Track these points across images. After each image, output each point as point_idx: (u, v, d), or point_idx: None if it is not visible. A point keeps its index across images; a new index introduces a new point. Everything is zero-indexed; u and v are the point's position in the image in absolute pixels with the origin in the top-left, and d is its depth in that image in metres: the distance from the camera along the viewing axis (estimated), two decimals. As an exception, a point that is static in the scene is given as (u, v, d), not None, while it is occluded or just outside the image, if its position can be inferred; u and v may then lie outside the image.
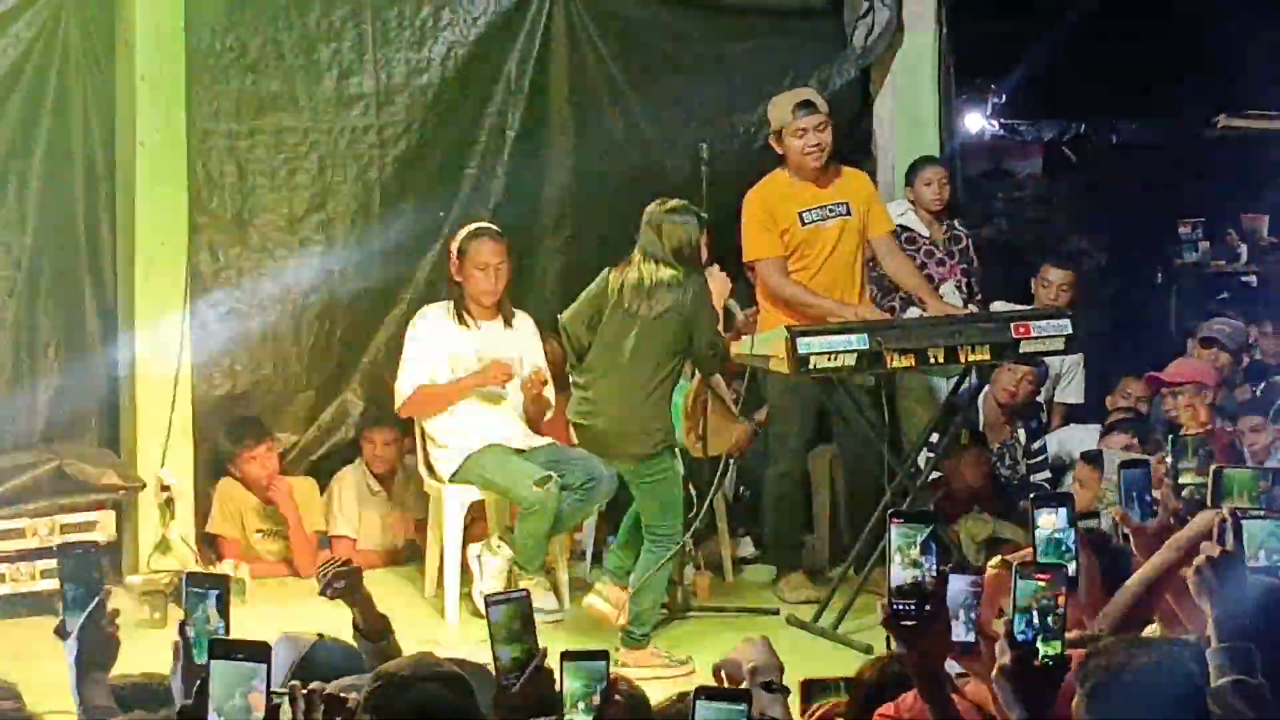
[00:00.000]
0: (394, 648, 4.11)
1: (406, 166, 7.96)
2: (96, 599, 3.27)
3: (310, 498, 7.75)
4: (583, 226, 8.29)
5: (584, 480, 6.99)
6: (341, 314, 7.91)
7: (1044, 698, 2.86)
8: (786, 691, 3.52)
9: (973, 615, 3.16)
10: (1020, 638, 2.89)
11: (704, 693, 3.01)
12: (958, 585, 3.15)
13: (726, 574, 7.68)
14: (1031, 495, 3.86)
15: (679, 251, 6.46)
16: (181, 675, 3.17)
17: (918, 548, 3.02)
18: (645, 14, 8.50)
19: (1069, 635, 3.04)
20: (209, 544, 7.60)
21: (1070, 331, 6.79)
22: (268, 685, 2.74)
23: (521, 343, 7.34)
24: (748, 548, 7.95)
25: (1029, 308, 7.79)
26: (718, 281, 6.58)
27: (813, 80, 8.63)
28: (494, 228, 7.41)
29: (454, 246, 7.29)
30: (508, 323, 7.34)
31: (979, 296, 8.10)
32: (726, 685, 3.50)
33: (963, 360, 6.70)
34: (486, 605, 3.17)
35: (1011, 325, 6.75)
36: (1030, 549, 3.57)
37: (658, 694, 3.72)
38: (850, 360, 6.52)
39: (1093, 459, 7.18)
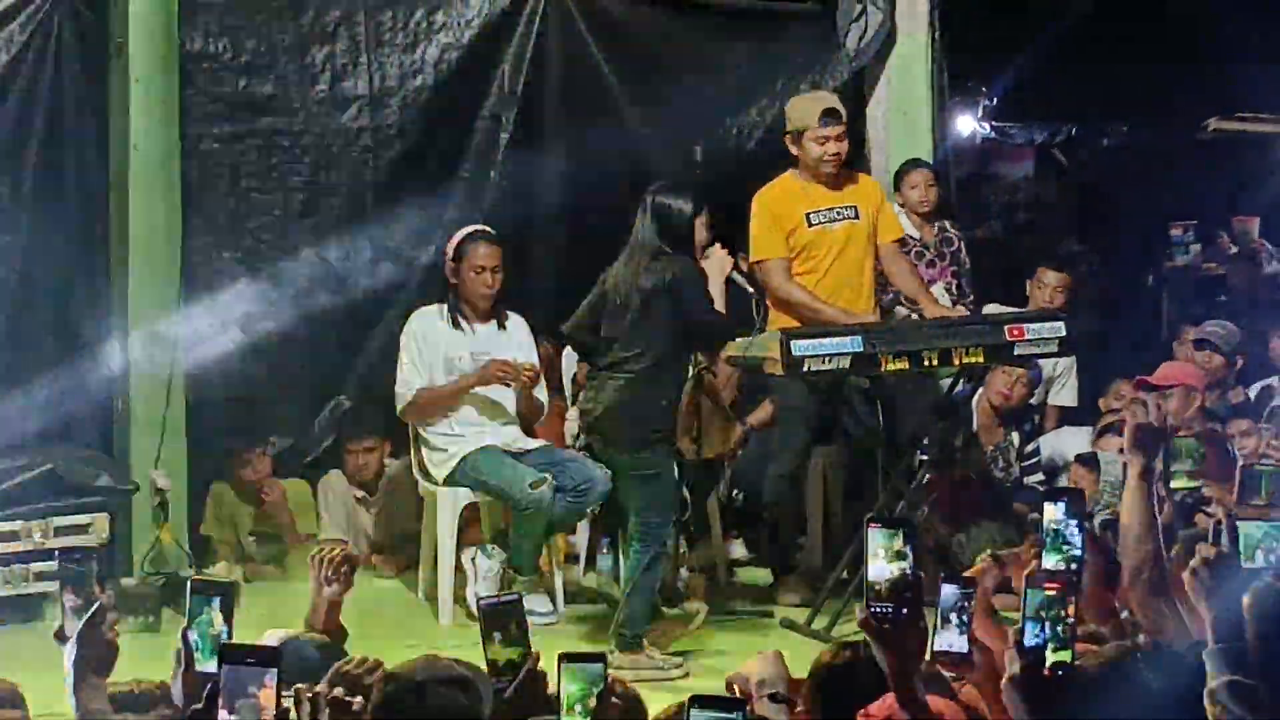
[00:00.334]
0: (341, 648, 4.11)
1: (400, 169, 7.97)
2: (96, 605, 3.27)
3: (303, 500, 7.75)
4: (576, 229, 8.30)
5: (578, 483, 6.98)
6: (335, 316, 7.91)
7: (1053, 706, 2.86)
8: (792, 704, 3.53)
9: (965, 621, 3.17)
10: (1030, 645, 2.89)
11: (698, 701, 3.02)
12: (949, 593, 3.16)
13: (720, 578, 7.68)
14: (1043, 491, 3.89)
15: (665, 231, 6.44)
16: (183, 680, 3.17)
17: (895, 551, 3.04)
18: (638, 17, 8.52)
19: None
20: (202, 547, 7.60)
21: (1064, 334, 6.80)
22: (278, 690, 2.74)
23: (515, 345, 7.33)
24: (738, 550, 7.95)
25: (1023, 310, 7.80)
26: (716, 260, 6.55)
27: (805, 83, 8.66)
28: (489, 230, 7.41)
29: (449, 249, 7.29)
30: (501, 325, 7.33)
31: (970, 298, 8.11)
32: (738, 696, 3.50)
33: (957, 363, 6.72)
34: (479, 608, 3.18)
35: (1005, 328, 6.76)
36: (1020, 550, 3.58)
37: (649, 695, 3.72)
38: (844, 363, 6.53)
39: (1087, 461, 7.19)
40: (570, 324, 6.74)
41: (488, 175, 8.12)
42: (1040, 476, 7.95)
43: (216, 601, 3.15)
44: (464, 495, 7.18)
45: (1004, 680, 2.88)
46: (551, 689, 3.14)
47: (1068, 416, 8.55)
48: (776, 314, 7.18)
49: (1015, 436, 8.01)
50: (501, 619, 3.17)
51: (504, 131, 8.16)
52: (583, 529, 7.64)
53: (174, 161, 7.42)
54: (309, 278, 7.82)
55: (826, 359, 6.51)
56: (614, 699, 3.13)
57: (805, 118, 7.17)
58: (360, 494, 7.83)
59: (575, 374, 7.79)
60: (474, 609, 6.99)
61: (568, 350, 7.90)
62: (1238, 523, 3.29)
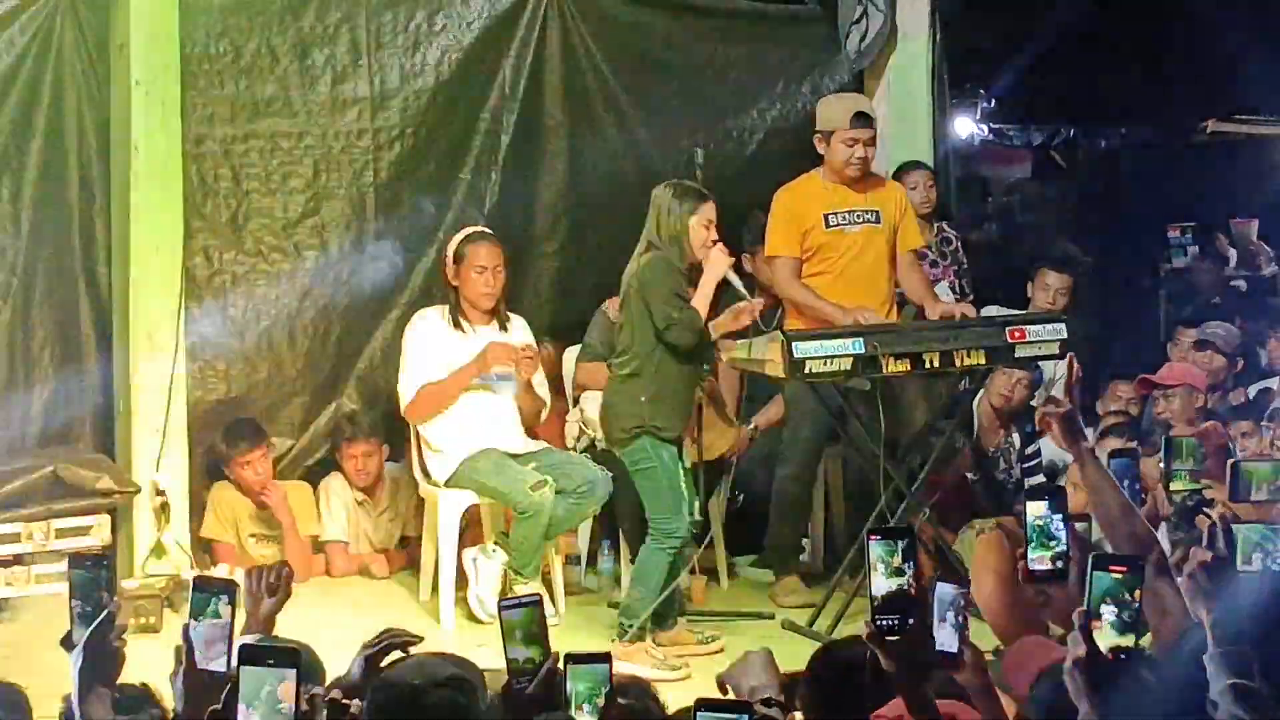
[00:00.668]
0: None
1: (401, 171, 7.97)
2: (104, 612, 3.26)
3: (305, 502, 7.76)
4: (577, 231, 8.32)
5: (579, 484, 7.00)
6: (336, 318, 7.91)
7: (1115, 691, 2.85)
8: (784, 707, 3.54)
9: (959, 623, 3.18)
10: (1097, 631, 2.86)
11: (704, 704, 3.04)
12: (944, 593, 3.17)
13: (722, 579, 7.68)
14: (1025, 490, 3.91)
15: (660, 227, 6.49)
16: (184, 678, 3.17)
17: (897, 561, 3.04)
18: (639, 19, 8.53)
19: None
20: (203, 548, 7.60)
21: (1064, 336, 6.81)
22: (297, 690, 2.74)
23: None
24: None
25: (1023, 312, 7.81)
26: (713, 259, 6.50)
27: (806, 85, 8.66)
28: (489, 232, 7.43)
29: (449, 251, 7.30)
30: (503, 327, 7.35)
31: (970, 297, 8.13)
32: (732, 695, 3.52)
33: (958, 364, 6.72)
34: (500, 609, 3.20)
35: (1006, 330, 6.77)
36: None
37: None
38: (846, 365, 6.54)
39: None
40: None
41: (489, 177, 8.12)
42: (1041, 478, 7.94)
43: (224, 598, 3.15)
44: (465, 497, 7.18)
45: (1067, 664, 2.86)
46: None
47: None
48: (792, 317, 7.18)
49: (1016, 438, 8.01)
50: (522, 619, 3.17)
51: (505, 134, 8.16)
52: (584, 531, 7.65)
53: (175, 163, 7.41)
54: (310, 280, 7.83)
55: (828, 361, 6.52)
56: (621, 699, 3.14)
57: (836, 119, 7.16)
58: (361, 497, 7.83)
59: (575, 375, 7.80)
60: (475, 611, 7.02)
61: (568, 352, 7.91)
62: (1234, 526, 3.29)
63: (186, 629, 3.18)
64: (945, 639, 3.16)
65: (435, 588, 7.22)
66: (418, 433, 7.32)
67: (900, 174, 8.23)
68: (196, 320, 7.51)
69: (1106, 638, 2.83)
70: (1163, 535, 5.12)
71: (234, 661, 3.02)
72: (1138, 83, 11.75)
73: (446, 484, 7.17)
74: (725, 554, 7.74)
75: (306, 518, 7.72)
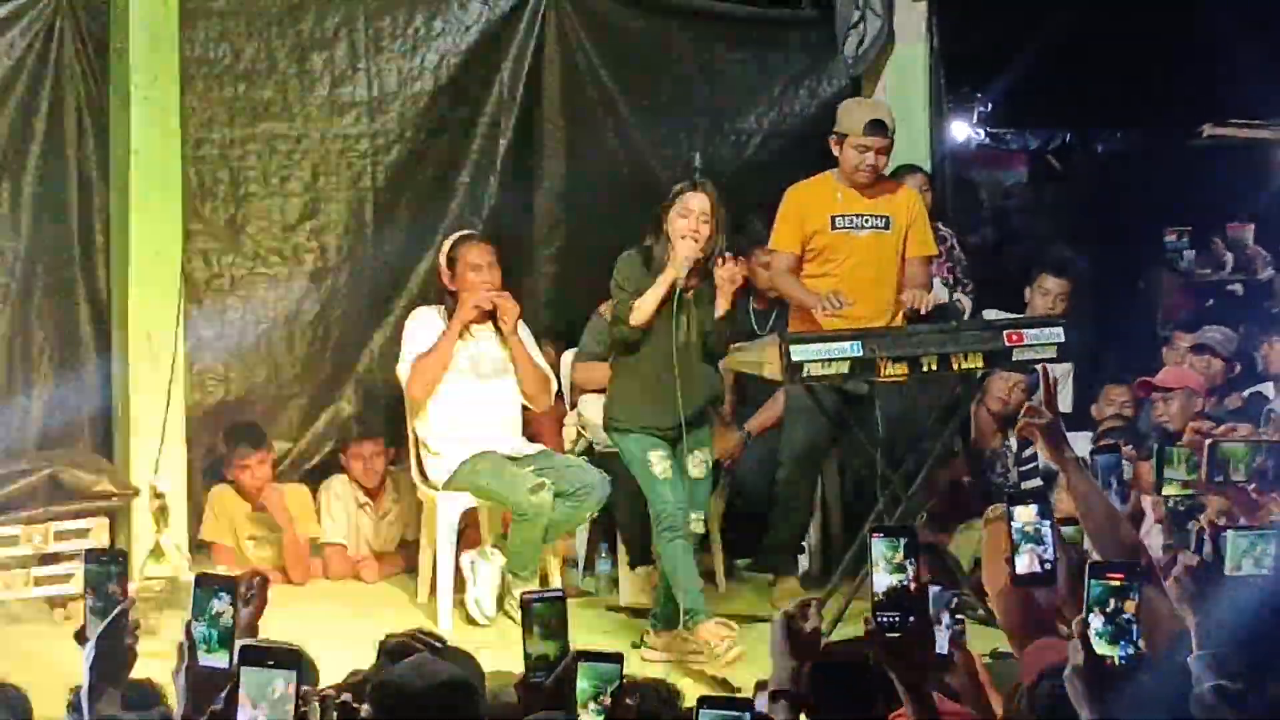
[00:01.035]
0: None
1: (399, 175, 7.98)
2: (119, 609, 3.27)
3: (303, 505, 7.76)
4: (575, 235, 8.33)
5: (577, 487, 7.01)
6: (335, 321, 7.92)
7: (1115, 697, 2.86)
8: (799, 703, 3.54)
9: (951, 624, 3.19)
10: (1093, 637, 2.87)
11: (706, 701, 3.05)
12: (935, 595, 3.18)
13: (719, 583, 7.68)
14: (1008, 493, 3.92)
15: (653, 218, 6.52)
16: (186, 674, 3.18)
17: (899, 558, 3.06)
18: (637, 23, 8.54)
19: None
20: (201, 551, 7.61)
21: (1062, 339, 6.82)
22: (298, 691, 2.75)
23: (516, 350, 7.37)
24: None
25: (1021, 315, 7.83)
26: (674, 254, 6.50)
27: (803, 89, 8.68)
28: (476, 233, 7.45)
29: (442, 256, 7.31)
30: (499, 329, 7.35)
31: (969, 286, 8.15)
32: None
33: (956, 368, 6.73)
34: (522, 604, 3.23)
35: (1004, 333, 6.78)
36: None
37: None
38: (844, 367, 6.55)
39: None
40: None
41: (487, 181, 8.13)
42: (1038, 481, 7.96)
43: (225, 595, 3.16)
44: (463, 500, 7.20)
45: (1066, 670, 2.88)
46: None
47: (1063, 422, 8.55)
48: (799, 321, 7.19)
49: (1013, 441, 8.03)
50: (544, 614, 3.21)
51: (503, 137, 8.17)
52: (581, 533, 7.66)
53: (174, 166, 7.41)
54: (308, 282, 7.84)
55: (825, 364, 6.53)
56: (629, 699, 3.15)
57: (852, 123, 7.19)
58: (363, 499, 7.84)
59: (572, 377, 7.81)
60: (473, 613, 7.03)
61: (566, 354, 7.92)
62: (1223, 531, 3.31)
63: (189, 626, 3.20)
64: (937, 640, 3.17)
65: (433, 590, 7.22)
66: (416, 435, 7.33)
67: (896, 178, 8.24)
68: (195, 323, 7.51)
69: (1097, 646, 2.85)
70: (1157, 539, 5.14)
71: (235, 659, 3.03)
72: (1134, 87, 11.77)
73: (445, 486, 7.18)
74: (723, 556, 7.75)
75: (305, 520, 7.73)
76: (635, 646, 6.68)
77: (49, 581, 6.94)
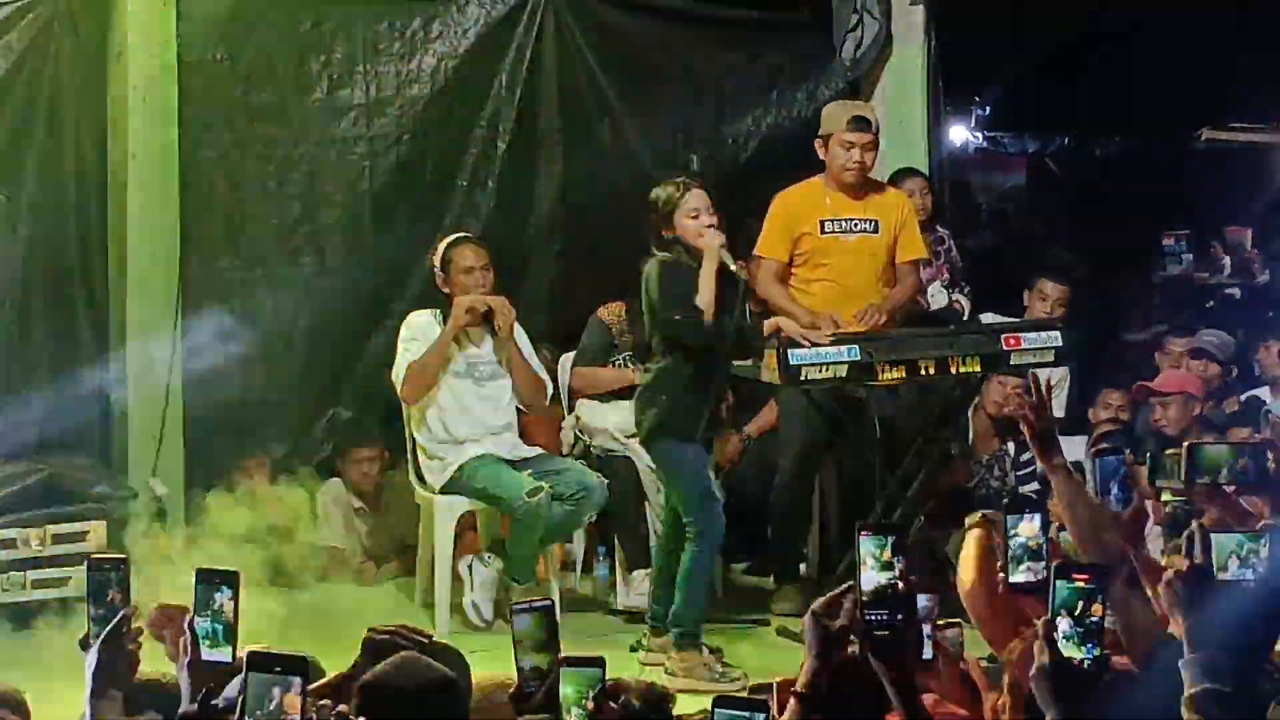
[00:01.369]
0: None
1: (397, 178, 7.99)
2: (121, 614, 3.27)
3: (301, 509, 7.75)
4: (573, 238, 8.34)
5: (574, 491, 7.00)
6: (333, 325, 7.92)
7: (1081, 698, 2.87)
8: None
9: (931, 631, 3.19)
10: (1059, 639, 2.88)
11: (721, 702, 3.06)
12: (920, 600, 3.19)
13: (717, 589, 7.68)
14: (1006, 504, 3.93)
15: (650, 225, 6.46)
16: (189, 669, 3.20)
17: (887, 556, 3.06)
18: (635, 27, 8.55)
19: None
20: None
21: (1060, 343, 6.83)
22: (303, 697, 2.76)
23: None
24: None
25: (1019, 319, 7.83)
26: (706, 247, 6.34)
27: (801, 93, 8.68)
28: (469, 235, 7.45)
29: (435, 260, 7.29)
30: (495, 333, 7.34)
31: (966, 287, 8.16)
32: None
33: (954, 372, 6.73)
34: (512, 614, 3.23)
35: (1002, 337, 6.78)
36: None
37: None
38: (841, 371, 6.55)
39: (1080, 471, 7.18)
40: None
41: (484, 184, 8.14)
42: (1036, 486, 7.96)
43: (226, 590, 3.18)
44: (461, 504, 7.19)
45: (1033, 671, 2.89)
46: None
47: (1060, 427, 8.55)
48: None
49: (1011, 446, 8.03)
50: (534, 625, 3.20)
51: (500, 140, 8.18)
52: (579, 537, 7.65)
53: (172, 170, 7.43)
54: (306, 286, 7.84)
55: (823, 368, 6.53)
56: (613, 701, 3.15)
57: (834, 122, 7.18)
58: (359, 504, 7.84)
59: (570, 381, 7.80)
60: (470, 617, 7.02)
61: (564, 358, 7.92)
62: (1211, 534, 3.31)
63: (190, 621, 3.21)
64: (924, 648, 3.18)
65: (431, 594, 7.21)
66: (414, 439, 7.32)
67: (895, 182, 8.24)
68: (193, 326, 7.52)
69: (1065, 649, 2.85)
70: (1158, 542, 5.14)
71: (237, 653, 3.06)
72: (1132, 91, 11.77)
73: (442, 490, 7.17)
74: (721, 561, 7.74)
75: (303, 524, 7.71)
76: (633, 650, 6.67)
77: (47, 585, 6.92)
